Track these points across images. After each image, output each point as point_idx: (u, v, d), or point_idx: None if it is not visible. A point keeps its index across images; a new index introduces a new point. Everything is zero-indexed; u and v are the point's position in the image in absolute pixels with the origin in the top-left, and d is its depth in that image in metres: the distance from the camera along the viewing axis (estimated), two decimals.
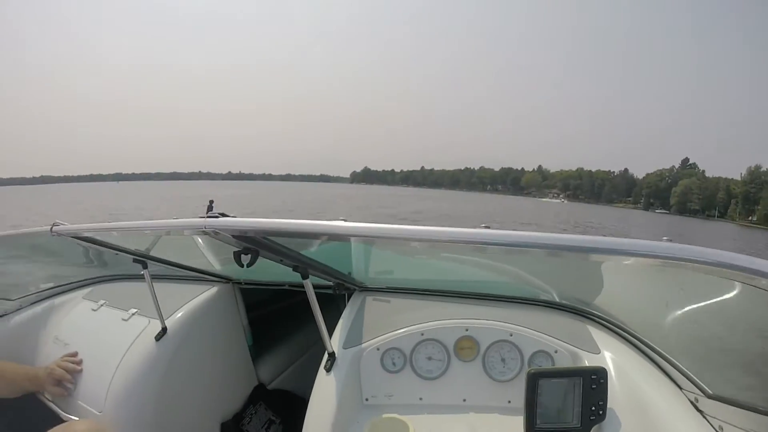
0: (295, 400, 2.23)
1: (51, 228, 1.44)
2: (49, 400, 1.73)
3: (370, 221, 0.92)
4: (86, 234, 1.48)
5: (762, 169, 76.61)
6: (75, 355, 1.75)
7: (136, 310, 1.86)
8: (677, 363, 1.20)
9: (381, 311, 1.57)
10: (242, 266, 1.05)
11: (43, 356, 1.88)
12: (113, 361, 1.65)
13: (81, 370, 1.70)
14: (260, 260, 1.13)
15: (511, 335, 1.38)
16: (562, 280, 1.59)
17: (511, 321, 1.41)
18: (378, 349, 1.39)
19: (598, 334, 1.40)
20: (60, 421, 1.59)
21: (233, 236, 1.03)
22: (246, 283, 2.05)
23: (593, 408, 1.13)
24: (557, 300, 1.59)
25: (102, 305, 2.00)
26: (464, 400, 1.36)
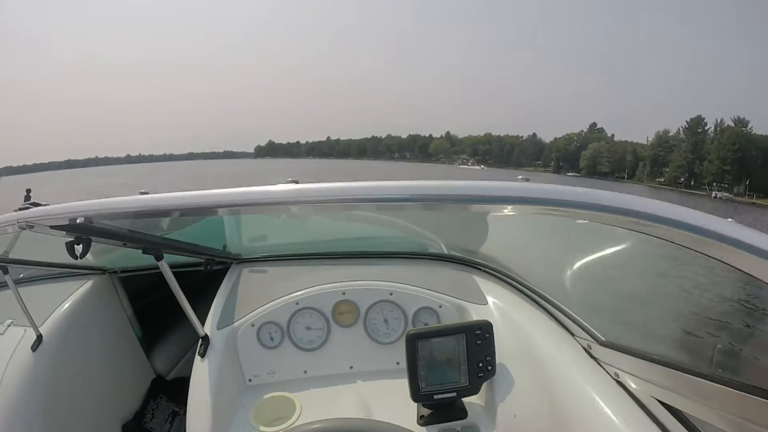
0: None
1: None
2: None
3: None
4: None
5: (670, 134, 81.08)
6: None
7: (11, 320, 1.66)
8: (568, 311, 1.16)
9: (257, 283, 1.47)
10: (76, 258, 0.92)
11: None
12: None
13: None
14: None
15: (392, 294, 1.31)
16: (448, 230, 1.55)
17: (392, 279, 1.34)
18: (253, 325, 1.29)
19: (486, 285, 1.34)
20: None
21: (52, 227, 0.89)
22: (123, 272, 1.89)
23: (480, 364, 1.07)
24: (445, 252, 1.53)
25: None
26: (351, 368, 1.30)
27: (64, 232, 0.90)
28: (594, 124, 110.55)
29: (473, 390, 1.09)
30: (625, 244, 1.10)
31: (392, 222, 1.53)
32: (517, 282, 1.32)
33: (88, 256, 1.73)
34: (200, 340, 1.26)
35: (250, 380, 1.28)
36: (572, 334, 1.14)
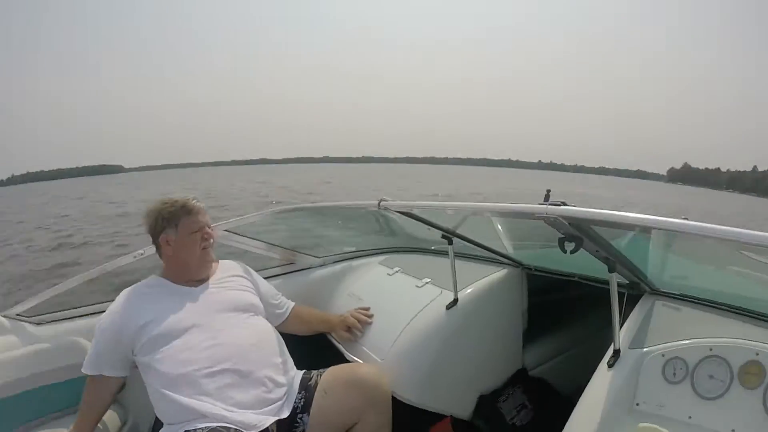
0: (551, 391, 2.25)
1: (378, 203, 1.62)
2: (336, 342, 2.02)
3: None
4: (413, 210, 1.62)
5: None
6: (368, 309, 2.03)
7: (429, 280, 2.06)
8: None
9: (670, 318, 1.50)
10: (564, 252, 1.15)
11: (337, 306, 2.19)
12: (403, 319, 1.85)
13: (371, 323, 1.96)
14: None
15: None
16: None
17: None
18: (663, 356, 1.35)
19: None
20: (343, 360, 1.88)
21: (569, 224, 1.09)
22: (536, 270, 2.16)
23: None
24: None
25: (397, 271, 2.26)
26: (733, 430, 1.22)
27: (563, 228, 1.13)
28: None
29: None
30: None
31: None
32: None
33: (510, 249, 2.17)
34: (612, 351, 1.39)
35: (637, 404, 1.34)
36: None
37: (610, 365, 1.36)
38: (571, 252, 1.14)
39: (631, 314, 1.56)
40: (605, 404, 1.26)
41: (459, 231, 1.93)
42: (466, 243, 2.08)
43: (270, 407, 1.46)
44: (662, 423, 1.27)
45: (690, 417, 1.29)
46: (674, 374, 1.33)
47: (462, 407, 1.97)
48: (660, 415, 1.31)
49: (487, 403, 2.02)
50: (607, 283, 1.40)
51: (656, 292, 1.66)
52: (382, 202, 1.65)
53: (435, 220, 1.84)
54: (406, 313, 1.89)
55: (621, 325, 1.48)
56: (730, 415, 1.25)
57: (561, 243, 1.15)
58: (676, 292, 1.64)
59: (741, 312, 1.49)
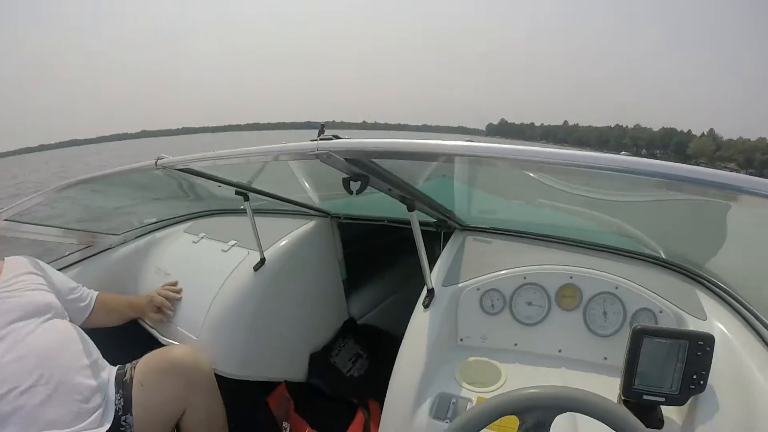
0: (383, 336, 2.30)
1: (156, 162, 1.47)
2: (149, 326, 1.85)
3: None
4: (191, 165, 1.50)
5: None
6: (175, 283, 1.88)
7: (235, 242, 1.94)
8: None
9: (482, 251, 1.55)
10: (351, 193, 1.04)
11: (146, 286, 2.01)
12: (212, 289, 1.73)
13: (180, 298, 1.82)
14: (362, 194, 1.10)
15: (617, 288, 1.31)
16: (673, 236, 1.50)
17: (618, 273, 1.34)
18: (478, 290, 1.38)
19: (706, 300, 1.30)
20: (159, 345, 1.73)
21: (345, 159, 1.00)
22: (345, 218, 2.10)
23: (694, 377, 1.08)
24: (664, 258, 1.50)
25: (202, 238, 2.11)
26: (559, 351, 1.33)
27: (346, 167, 1.02)
28: None
29: (681, 401, 1.10)
30: None
31: (609, 219, 1.53)
32: (740, 304, 1.27)
33: (316, 199, 2.06)
34: (426, 291, 1.38)
35: (461, 339, 1.38)
36: None
37: (426, 305, 1.36)
38: (357, 192, 1.04)
39: (443, 252, 1.57)
40: (428, 345, 1.26)
41: (256, 185, 1.77)
42: (265, 197, 1.93)
43: (90, 419, 1.31)
44: (489, 354, 1.32)
45: (516, 344, 1.37)
46: (492, 306, 1.39)
47: (295, 370, 1.90)
48: (485, 347, 1.37)
49: (319, 360, 1.98)
50: (425, 224, 1.38)
51: (466, 228, 1.71)
52: (159, 161, 1.46)
53: (226, 175, 1.68)
54: (214, 281, 1.76)
55: (433, 264, 1.48)
56: (555, 336, 1.35)
57: (345, 184, 1.04)
58: (486, 226, 1.70)
59: (552, 239, 1.59)
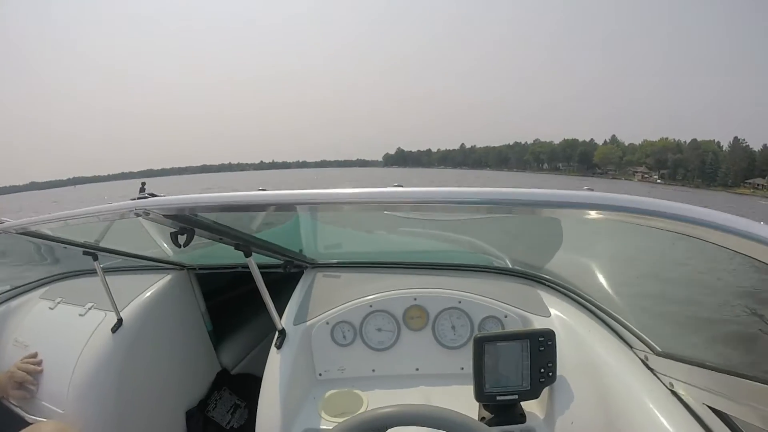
0: (258, 382, 2.20)
1: None
2: (13, 405, 1.70)
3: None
4: (32, 228, 1.42)
5: None
6: (35, 355, 1.72)
7: (92, 304, 1.82)
8: (626, 322, 1.20)
9: (331, 286, 1.55)
10: (179, 246, 1.03)
11: (5, 360, 1.84)
12: (72, 357, 1.62)
13: (41, 371, 1.67)
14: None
15: (460, 302, 1.37)
16: (513, 246, 1.59)
17: (461, 288, 1.41)
18: (327, 323, 1.38)
19: (549, 298, 1.40)
20: (25, 423, 1.58)
21: (165, 216, 0.99)
22: (200, 269, 2.01)
23: (542, 370, 1.12)
24: (509, 266, 1.59)
25: (59, 303, 1.97)
26: (417, 369, 1.36)
27: (171, 222, 1.01)
28: None
29: (534, 394, 1.13)
30: (685, 253, 1.13)
31: (459, 238, 1.60)
32: (579, 296, 1.37)
33: (170, 252, 1.90)
34: (277, 333, 1.35)
35: (320, 375, 1.36)
36: (630, 346, 1.18)
37: (278, 346, 1.33)
38: (185, 245, 1.03)
39: (295, 291, 1.55)
40: (286, 385, 1.23)
41: (106, 242, 1.67)
42: (115, 256, 1.82)
43: None
44: (349, 384, 1.31)
45: (374, 370, 1.37)
46: (344, 337, 1.38)
47: (173, 430, 1.79)
48: (344, 378, 1.35)
49: (196, 416, 1.85)
50: (275, 267, 1.38)
51: (316, 265, 1.70)
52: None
53: (73, 235, 1.60)
54: (73, 349, 1.65)
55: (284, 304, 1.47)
56: (410, 356, 1.37)
57: (173, 238, 1.03)
58: (334, 261, 1.70)
59: (399, 266, 1.63)
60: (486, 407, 1.16)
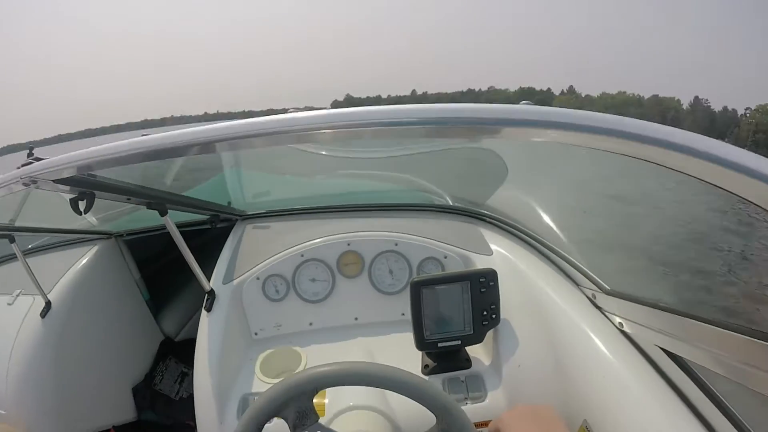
0: None
1: None
2: None
3: None
4: None
5: None
6: None
7: (20, 290, 1.69)
8: (573, 260, 1.15)
9: (260, 238, 1.46)
10: (80, 213, 0.91)
11: None
12: (5, 352, 1.51)
13: None
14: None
15: (397, 244, 1.30)
16: (454, 182, 1.54)
17: (398, 230, 1.33)
18: (258, 279, 1.29)
19: (491, 235, 1.34)
20: None
21: (55, 181, 0.84)
22: (128, 234, 1.89)
23: (485, 313, 1.07)
24: (451, 204, 1.53)
25: None
26: (356, 319, 1.30)
27: (69, 188, 0.88)
28: None
29: (477, 338, 1.08)
30: (635, 186, 1.09)
31: (397, 176, 1.52)
32: (523, 232, 1.31)
33: (94, 220, 1.75)
34: (206, 295, 1.26)
35: (256, 334, 1.28)
36: (577, 284, 1.13)
37: (208, 309, 1.23)
38: (85, 211, 0.92)
39: (224, 247, 1.45)
40: (220, 349, 1.15)
41: (22, 221, 1.51)
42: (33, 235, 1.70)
43: None
44: (287, 341, 1.24)
45: (311, 324, 1.29)
46: (276, 291, 1.30)
47: (122, 411, 1.71)
48: (281, 335, 1.28)
49: (143, 391, 1.77)
50: (203, 223, 1.29)
51: (246, 217, 1.59)
52: None
53: None
54: (4, 342, 1.52)
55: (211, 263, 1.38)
56: (348, 306, 1.30)
57: (73, 205, 0.90)
58: (264, 211, 1.60)
59: (333, 210, 1.53)
60: (429, 355, 1.12)
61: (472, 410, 1.04)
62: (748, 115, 79.10)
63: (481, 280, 1.06)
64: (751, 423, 0.72)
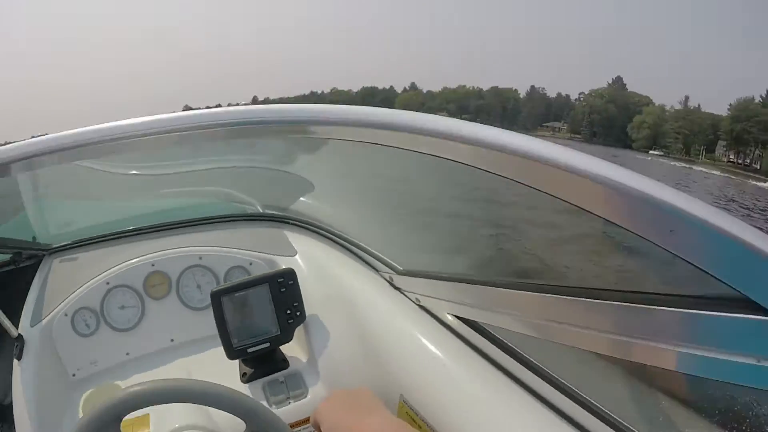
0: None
1: None
2: None
3: None
4: None
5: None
6: None
7: None
8: (368, 248, 1.26)
9: (67, 271, 1.38)
10: None
11: None
12: None
13: None
14: None
15: (201, 258, 1.31)
16: (264, 191, 1.58)
17: (202, 243, 1.35)
18: (66, 315, 1.22)
19: (295, 237, 1.41)
20: None
21: None
22: None
23: (288, 311, 1.13)
24: (259, 211, 1.58)
25: None
26: (172, 340, 1.28)
27: None
28: (619, 79, 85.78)
29: (286, 337, 1.14)
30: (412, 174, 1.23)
31: (209, 190, 1.53)
32: (323, 229, 1.40)
33: None
34: (15, 342, 1.15)
35: (73, 374, 1.21)
36: (375, 270, 1.25)
37: (18, 357, 1.13)
38: None
39: (31, 287, 1.35)
40: (38, 399, 1.06)
41: None
42: None
43: None
44: (106, 377, 1.19)
45: (128, 354, 1.25)
46: (87, 325, 1.23)
47: None
48: (99, 371, 1.22)
49: None
50: (6, 264, 1.23)
51: (53, 251, 1.49)
52: None
53: None
54: None
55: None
56: (161, 329, 1.27)
57: None
58: (68, 242, 1.51)
59: (138, 232, 1.49)
60: (245, 362, 1.14)
61: (295, 408, 1.09)
62: (582, 99, 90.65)
63: (279, 280, 1.12)
64: (546, 364, 0.82)
